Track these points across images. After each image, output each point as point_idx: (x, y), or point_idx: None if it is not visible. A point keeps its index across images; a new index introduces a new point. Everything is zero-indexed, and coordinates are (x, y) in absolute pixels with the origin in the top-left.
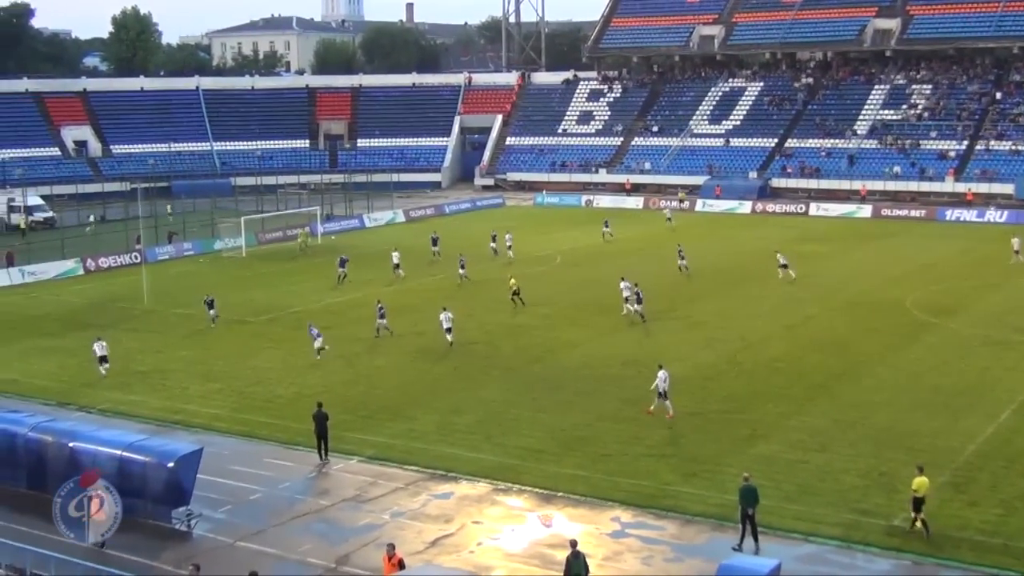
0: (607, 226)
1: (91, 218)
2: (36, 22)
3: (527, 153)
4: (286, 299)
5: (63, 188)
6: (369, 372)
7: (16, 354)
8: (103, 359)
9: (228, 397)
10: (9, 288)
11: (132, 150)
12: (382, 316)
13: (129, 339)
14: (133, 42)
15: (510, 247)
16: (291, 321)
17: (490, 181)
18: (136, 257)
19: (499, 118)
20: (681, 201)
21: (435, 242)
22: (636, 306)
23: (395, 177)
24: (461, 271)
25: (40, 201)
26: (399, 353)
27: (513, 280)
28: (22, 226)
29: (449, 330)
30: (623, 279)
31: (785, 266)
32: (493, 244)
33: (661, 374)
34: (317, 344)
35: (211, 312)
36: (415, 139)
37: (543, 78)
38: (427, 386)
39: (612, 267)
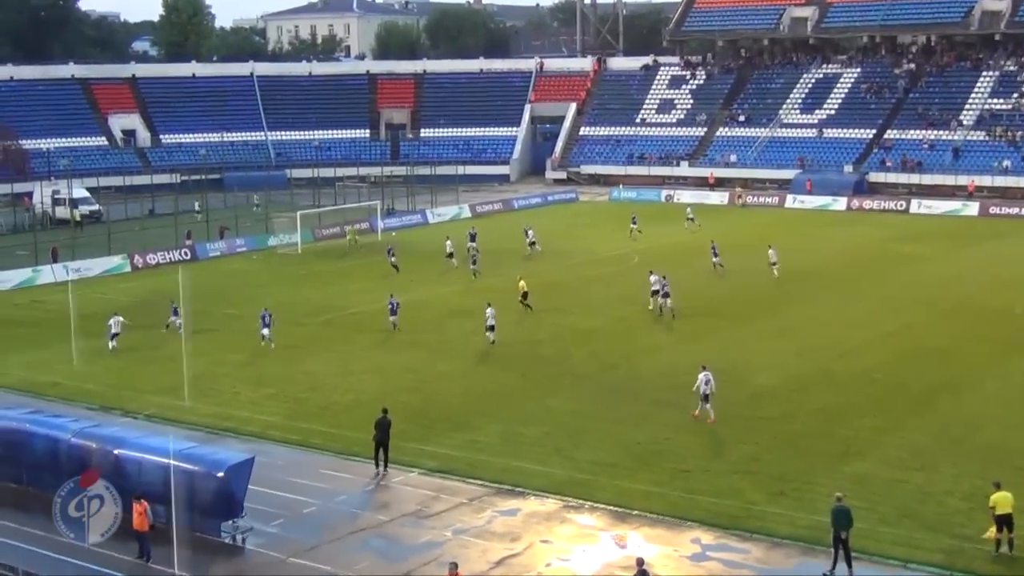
0: (635, 223)
1: (197, 205)
2: (83, 4)
3: (603, 144)
4: (344, 299)
5: (110, 180)
6: (431, 378)
7: (59, 356)
8: (115, 335)
9: (281, 403)
10: (53, 285)
11: (182, 140)
12: (393, 312)
13: (177, 340)
14: (185, 26)
15: (533, 243)
16: (349, 323)
17: (562, 174)
18: (186, 253)
19: (573, 107)
20: (739, 197)
21: (472, 238)
22: (663, 300)
23: (460, 170)
24: (472, 266)
25: (86, 194)
26: (463, 359)
27: (523, 282)
28: (77, 219)
29: (491, 328)
30: (652, 272)
31: (775, 264)
32: (530, 240)
33: (703, 376)
34: (265, 333)
35: (176, 319)
36: (482, 129)
37: (620, 63)
38: (492, 394)
39: (694, 267)
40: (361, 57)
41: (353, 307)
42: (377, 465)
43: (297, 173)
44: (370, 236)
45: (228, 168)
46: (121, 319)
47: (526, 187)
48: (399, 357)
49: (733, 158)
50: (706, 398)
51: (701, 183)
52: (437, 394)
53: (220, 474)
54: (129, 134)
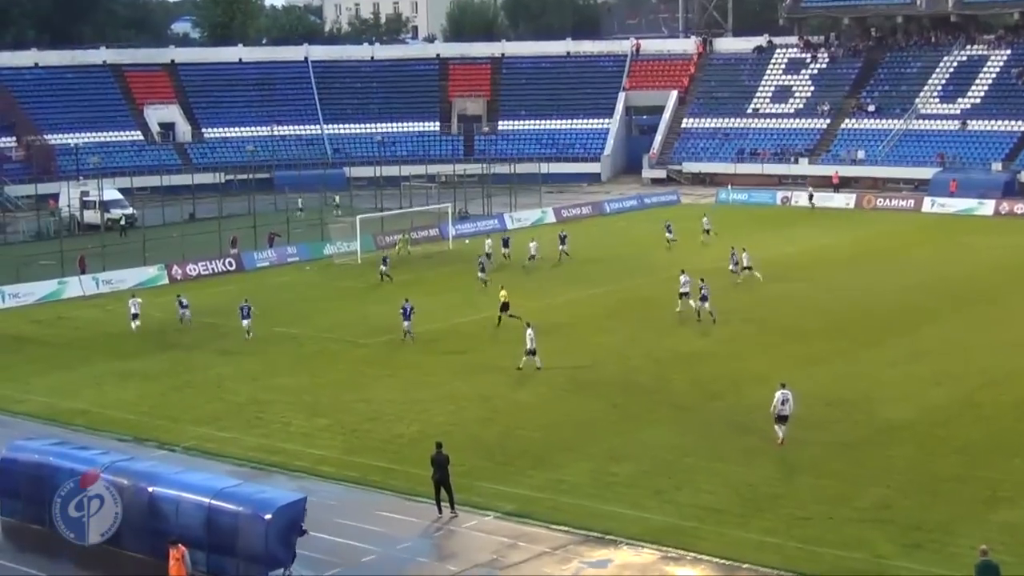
0: (669, 231)
1: (300, 202)
2: None
3: (708, 138)
4: (423, 314)
5: (145, 179)
6: (509, 408)
7: (88, 379)
8: (135, 316)
9: (337, 435)
10: (81, 299)
11: (227, 134)
12: (407, 317)
13: (221, 363)
14: (230, 4)
15: (533, 253)
16: (416, 343)
17: (662, 173)
18: (231, 264)
19: (674, 95)
20: (811, 197)
21: (506, 243)
22: (704, 303)
23: (544, 168)
24: (480, 275)
25: (118, 195)
26: (546, 385)
27: (504, 291)
28: (122, 222)
29: (532, 352)
30: (683, 272)
31: (749, 268)
32: (563, 247)
33: (780, 395)
34: (245, 325)
35: (184, 311)
36: (569, 121)
37: (729, 45)
38: (580, 426)
39: (815, 281)
40: (430, 39)
41: (421, 325)
42: (440, 509)
43: (357, 172)
44: (440, 244)
45: (279, 166)
46: (139, 300)
47: (619, 187)
48: (473, 383)
49: (861, 155)
50: (782, 419)
51: (824, 183)
52: (516, 426)
53: (267, 516)
54: (167, 128)
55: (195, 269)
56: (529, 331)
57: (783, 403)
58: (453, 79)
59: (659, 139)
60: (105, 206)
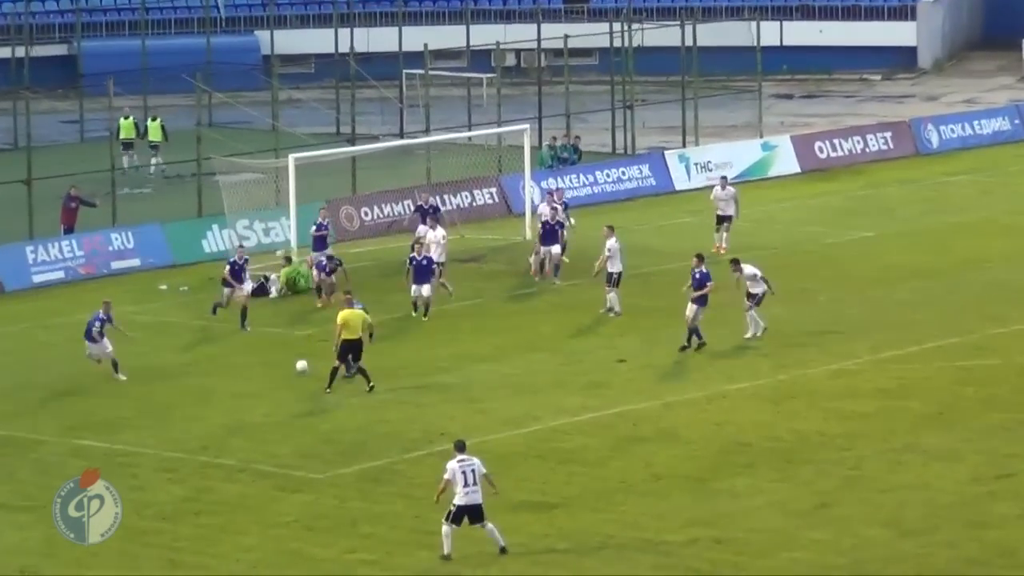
0: (721, 228)
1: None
2: None
3: None
4: (450, 410)
5: None
6: None
7: None
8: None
9: None
10: None
11: None
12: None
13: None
14: None
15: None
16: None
17: None
18: None
19: None
20: None
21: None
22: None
23: (769, 36)
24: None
25: None
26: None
27: (357, 313)
28: None
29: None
30: (735, 260)
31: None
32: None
33: None
34: (108, 350)
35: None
36: None
37: None
38: None
39: None
40: None
41: (486, 430)
42: None
43: (287, 41)
44: (499, 227)
45: (91, 29)
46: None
47: (960, 86)
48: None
49: None
50: None
51: None
52: None
53: None
54: None
55: None
56: (460, 465)
57: None
58: None
59: None
60: None
